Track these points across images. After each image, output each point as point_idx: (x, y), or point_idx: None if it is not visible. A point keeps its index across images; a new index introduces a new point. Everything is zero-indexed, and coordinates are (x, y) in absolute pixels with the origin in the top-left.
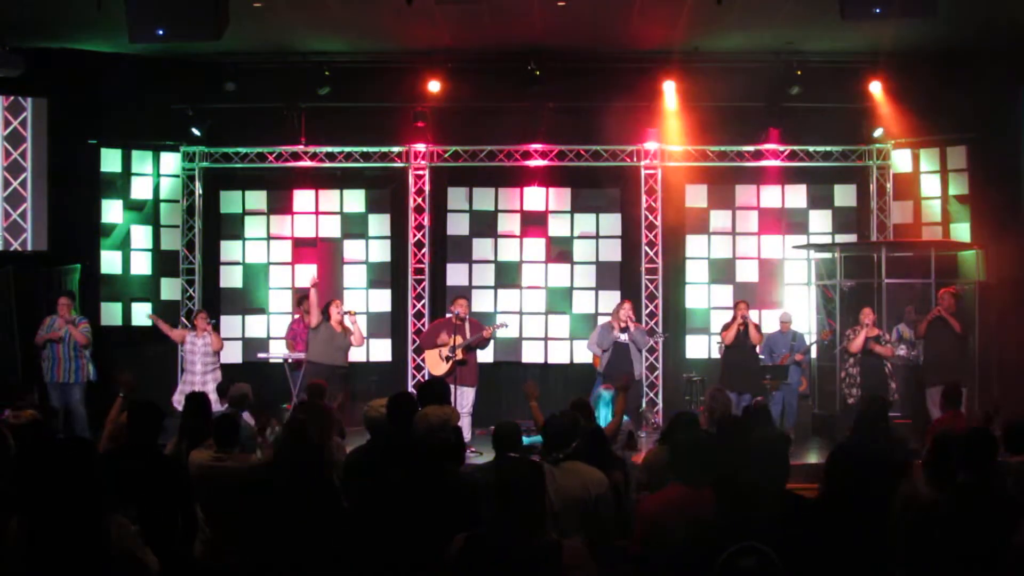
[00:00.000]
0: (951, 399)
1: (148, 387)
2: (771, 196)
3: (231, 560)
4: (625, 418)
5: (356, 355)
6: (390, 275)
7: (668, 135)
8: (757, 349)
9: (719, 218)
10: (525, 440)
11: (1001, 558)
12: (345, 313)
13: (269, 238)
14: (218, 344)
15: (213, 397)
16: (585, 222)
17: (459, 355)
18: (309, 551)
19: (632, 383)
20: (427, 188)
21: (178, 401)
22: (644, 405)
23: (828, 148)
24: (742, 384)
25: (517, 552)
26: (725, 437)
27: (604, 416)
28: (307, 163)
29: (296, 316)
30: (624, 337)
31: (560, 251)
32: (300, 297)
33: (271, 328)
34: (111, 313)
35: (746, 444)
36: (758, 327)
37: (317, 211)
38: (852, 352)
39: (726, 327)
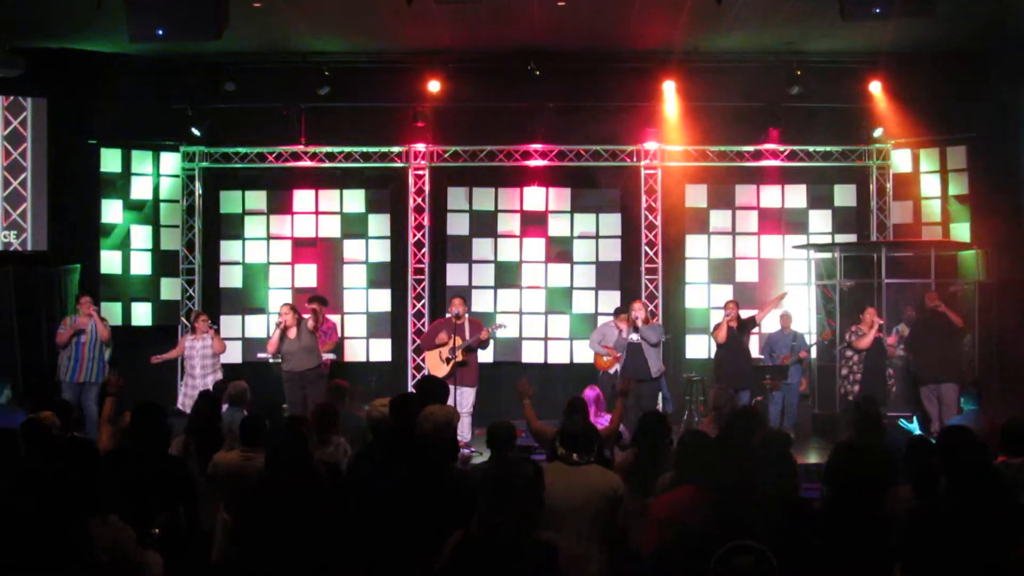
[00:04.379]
0: (970, 398)
1: (148, 387)
2: (771, 196)
3: (255, 560)
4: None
5: (356, 355)
6: (390, 275)
7: (668, 135)
8: (754, 347)
9: (719, 218)
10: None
11: (993, 566)
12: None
13: (269, 238)
14: (220, 347)
15: None
16: (585, 222)
17: (459, 356)
18: (314, 550)
19: (633, 387)
20: (427, 188)
21: (183, 404)
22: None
23: (828, 148)
24: (736, 382)
25: (512, 550)
26: (732, 435)
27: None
28: (307, 163)
29: (306, 317)
30: (636, 337)
31: (560, 251)
32: (311, 298)
33: (271, 328)
34: (111, 313)
35: (751, 442)
36: (750, 319)
37: (317, 211)
38: (860, 349)
39: (717, 327)
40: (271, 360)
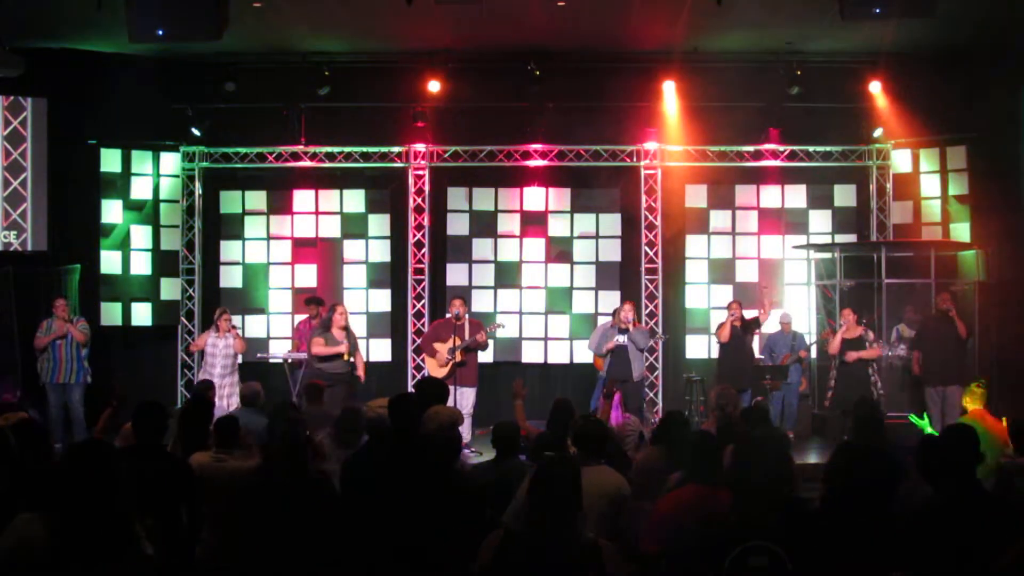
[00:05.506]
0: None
1: (148, 387)
2: (771, 196)
3: (230, 562)
4: (632, 418)
5: None
6: (390, 275)
7: (668, 135)
8: (756, 347)
9: (719, 218)
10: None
11: (991, 563)
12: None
13: (269, 238)
14: (241, 347)
15: (234, 401)
16: (585, 222)
17: (458, 356)
18: (307, 553)
19: (617, 389)
20: (427, 188)
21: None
22: (644, 405)
23: (828, 148)
24: (740, 381)
25: (557, 550)
26: (729, 435)
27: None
28: (307, 163)
29: (305, 316)
30: (623, 339)
31: (560, 251)
32: (308, 299)
33: (271, 328)
34: (111, 313)
35: (749, 442)
36: (754, 319)
37: (317, 211)
38: (831, 354)
39: (720, 326)
40: (271, 360)
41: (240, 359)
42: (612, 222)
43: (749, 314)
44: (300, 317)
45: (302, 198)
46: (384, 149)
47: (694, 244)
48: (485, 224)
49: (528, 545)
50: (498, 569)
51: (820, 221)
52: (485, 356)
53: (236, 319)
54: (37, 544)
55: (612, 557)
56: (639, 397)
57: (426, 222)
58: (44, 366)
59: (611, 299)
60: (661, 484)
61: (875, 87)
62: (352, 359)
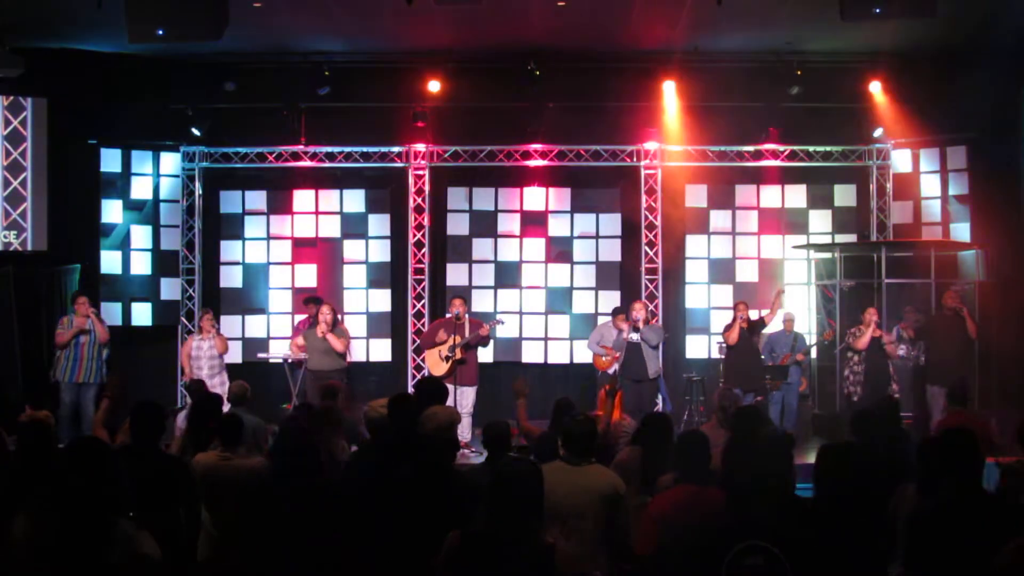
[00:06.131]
0: (956, 398)
1: (147, 387)
2: (771, 196)
3: (236, 560)
4: (629, 419)
5: (356, 355)
6: (390, 275)
7: (668, 135)
8: (759, 348)
9: (719, 218)
10: None
11: (991, 562)
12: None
13: (269, 238)
14: (222, 347)
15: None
16: (585, 222)
17: (458, 354)
18: (310, 552)
19: (619, 387)
20: (427, 188)
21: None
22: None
23: (828, 148)
24: (746, 383)
25: (512, 551)
26: (739, 434)
27: None
28: (307, 163)
29: (304, 316)
30: (636, 337)
31: (560, 251)
32: (307, 299)
33: (271, 328)
34: (111, 313)
35: (756, 440)
36: (760, 320)
37: (317, 211)
38: (859, 349)
39: (728, 328)
40: (271, 360)
41: (225, 359)
42: (612, 222)
43: (753, 315)
44: (300, 317)
45: (302, 198)
46: (384, 149)
47: (694, 244)
48: (485, 224)
49: (485, 544)
50: (456, 569)
51: (820, 221)
52: (485, 356)
53: (236, 319)
54: (26, 543)
55: (567, 561)
56: (654, 396)
57: (426, 222)
58: (63, 364)
59: (611, 299)
60: (638, 485)
61: (875, 87)
62: (344, 355)
